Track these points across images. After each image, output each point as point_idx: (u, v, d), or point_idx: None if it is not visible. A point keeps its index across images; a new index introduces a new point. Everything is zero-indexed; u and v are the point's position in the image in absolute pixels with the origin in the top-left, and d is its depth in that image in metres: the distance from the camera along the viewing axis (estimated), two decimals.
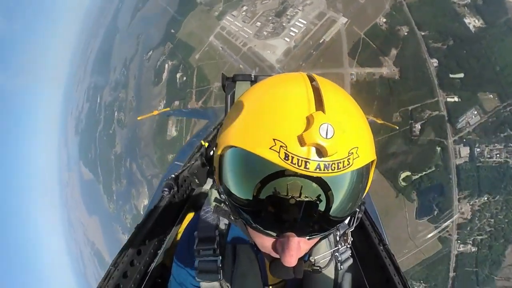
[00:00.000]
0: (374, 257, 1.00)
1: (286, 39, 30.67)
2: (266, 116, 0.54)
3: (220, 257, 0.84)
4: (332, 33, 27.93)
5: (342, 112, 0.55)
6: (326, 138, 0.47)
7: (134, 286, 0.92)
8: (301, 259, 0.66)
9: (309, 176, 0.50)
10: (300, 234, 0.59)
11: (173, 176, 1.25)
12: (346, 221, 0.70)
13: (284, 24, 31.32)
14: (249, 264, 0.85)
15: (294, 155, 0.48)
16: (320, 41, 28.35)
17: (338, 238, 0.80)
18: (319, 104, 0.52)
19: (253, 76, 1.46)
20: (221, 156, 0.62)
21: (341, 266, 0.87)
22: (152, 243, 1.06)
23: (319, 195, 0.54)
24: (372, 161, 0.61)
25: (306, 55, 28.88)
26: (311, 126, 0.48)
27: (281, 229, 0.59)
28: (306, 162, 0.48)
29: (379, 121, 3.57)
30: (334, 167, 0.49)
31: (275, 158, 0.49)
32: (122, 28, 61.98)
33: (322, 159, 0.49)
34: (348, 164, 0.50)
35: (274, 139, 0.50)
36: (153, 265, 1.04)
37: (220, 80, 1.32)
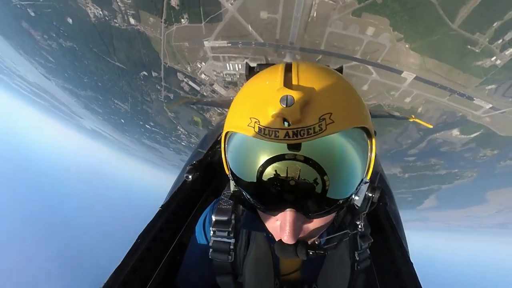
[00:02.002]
0: (390, 262, 0.96)
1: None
2: (245, 100, 0.64)
3: (234, 240, 0.87)
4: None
5: (311, 84, 0.57)
6: (286, 106, 0.51)
7: (156, 259, 0.99)
8: (305, 241, 0.66)
9: (302, 158, 0.54)
10: (300, 210, 0.61)
11: (196, 162, 1.28)
12: (359, 203, 0.66)
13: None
14: (262, 252, 0.87)
15: (266, 127, 0.53)
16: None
17: (356, 224, 0.76)
18: (288, 81, 0.58)
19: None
20: (225, 143, 0.68)
21: (358, 266, 0.88)
22: (174, 223, 1.12)
23: (316, 178, 0.55)
24: (368, 133, 0.62)
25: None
26: (273, 99, 0.53)
27: (282, 207, 0.61)
28: (275, 131, 0.52)
29: (410, 119, 3.32)
30: (304, 133, 0.51)
31: (251, 132, 0.55)
32: None
33: (290, 127, 0.51)
34: (320, 130, 0.52)
35: (250, 118, 0.56)
36: (173, 243, 1.09)
37: (244, 69, 1.29)
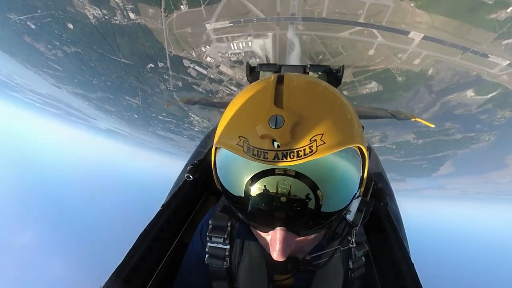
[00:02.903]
0: (391, 263, 0.96)
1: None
2: (235, 116, 0.62)
3: (229, 246, 0.89)
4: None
5: (303, 102, 0.57)
6: (275, 128, 0.51)
7: (157, 258, 1.00)
8: (295, 257, 0.67)
9: (293, 173, 0.53)
10: (291, 229, 0.60)
11: (196, 162, 1.28)
12: (352, 218, 0.66)
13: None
14: (255, 259, 0.88)
15: (255, 147, 0.53)
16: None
17: (349, 240, 0.75)
18: (279, 99, 0.57)
19: (277, 65, 1.44)
20: (215, 156, 0.68)
21: (352, 274, 0.88)
22: (174, 223, 1.13)
23: (308, 193, 0.54)
24: (361, 151, 0.60)
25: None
26: (262, 119, 0.53)
27: (272, 225, 0.60)
28: (264, 153, 0.52)
29: (412, 119, 3.30)
30: (293, 155, 0.51)
31: (240, 152, 0.55)
32: None
33: (280, 148, 0.51)
34: (310, 152, 0.51)
35: (239, 136, 0.56)
36: (174, 242, 1.11)
37: (245, 69, 1.26)
